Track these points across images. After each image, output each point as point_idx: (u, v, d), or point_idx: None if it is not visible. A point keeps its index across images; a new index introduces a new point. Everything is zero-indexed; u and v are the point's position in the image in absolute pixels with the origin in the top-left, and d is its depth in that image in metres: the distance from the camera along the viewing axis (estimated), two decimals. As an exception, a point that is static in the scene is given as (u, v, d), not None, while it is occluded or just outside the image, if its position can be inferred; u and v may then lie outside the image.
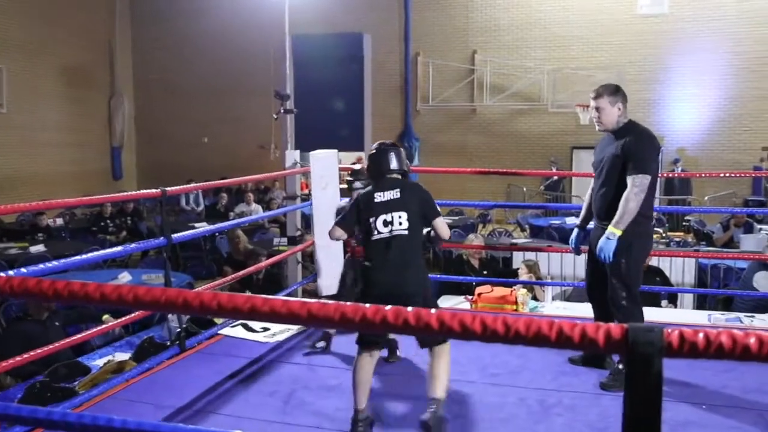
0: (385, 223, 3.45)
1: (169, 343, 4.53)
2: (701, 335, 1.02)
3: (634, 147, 3.71)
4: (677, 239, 9.37)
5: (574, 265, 7.00)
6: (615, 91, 3.82)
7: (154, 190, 4.10)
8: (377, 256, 3.45)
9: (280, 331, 5.01)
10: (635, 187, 3.68)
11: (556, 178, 15.31)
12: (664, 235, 9.46)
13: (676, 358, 1.02)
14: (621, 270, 3.80)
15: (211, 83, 18.81)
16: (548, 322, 1.08)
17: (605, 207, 3.86)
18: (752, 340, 1.00)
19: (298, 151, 6.24)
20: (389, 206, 3.47)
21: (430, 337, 3.23)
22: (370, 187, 3.61)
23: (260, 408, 3.74)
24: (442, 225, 3.59)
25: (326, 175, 5.51)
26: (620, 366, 3.92)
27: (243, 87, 18.23)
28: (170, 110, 19.46)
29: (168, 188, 4.15)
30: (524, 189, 15.69)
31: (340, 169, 5.75)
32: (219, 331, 4.94)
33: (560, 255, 7.03)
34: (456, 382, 3.92)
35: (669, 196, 14.34)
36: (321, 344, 4.62)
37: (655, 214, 4.49)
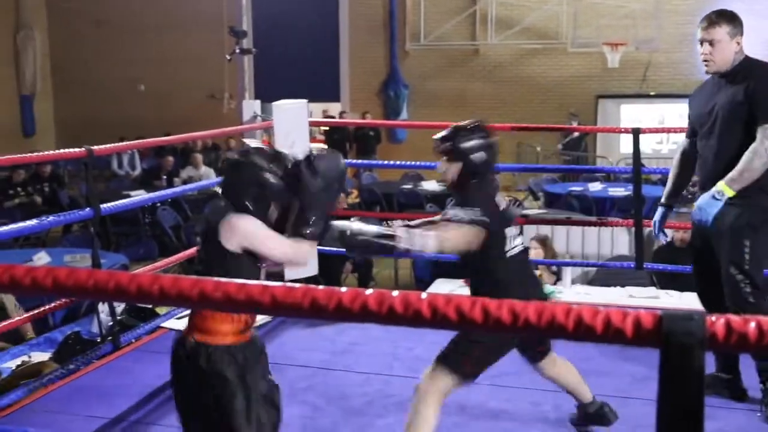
0: (514, 237, 3.32)
1: (99, 340, 4.53)
2: (753, 324, 1.03)
3: (764, 89, 3.52)
4: None
5: (598, 242, 7.04)
6: (734, 19, 3.62)
7: (77, 150, 4.07)
8: (516, 273, 3.32)
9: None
10: (767, 139, 3.47)
11: (577, 134, 15.31)
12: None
13: (722, 351, 1.04)
14: (743, 255, 3.54)
15: (149, 16, 18.55)
16: (564, 308, 1.08)
17: (721, 171, 3.57)
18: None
19: (258, 102, 6.22)
20: (512, 217, 3.38)
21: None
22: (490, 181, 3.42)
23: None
24: None
25: (293, 131, 5.50)
26: None
27: (189, 21, 17.99)
28: (96, 49, 19.18)
29: (95, 147, 4.12)
30: (538, 148, 15.70)
31: (311, 124, 5.72)
32: (162, 324, 4.92)
33: (581, 229, 7.05)
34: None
35: None
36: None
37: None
